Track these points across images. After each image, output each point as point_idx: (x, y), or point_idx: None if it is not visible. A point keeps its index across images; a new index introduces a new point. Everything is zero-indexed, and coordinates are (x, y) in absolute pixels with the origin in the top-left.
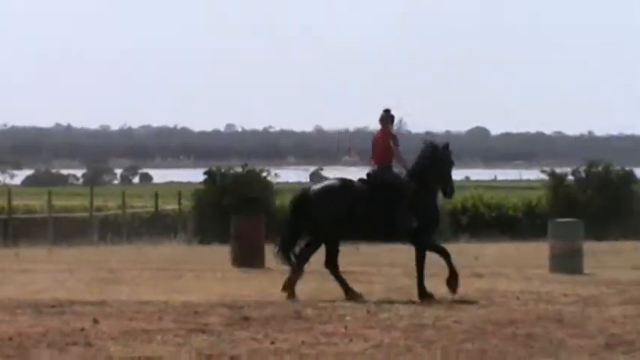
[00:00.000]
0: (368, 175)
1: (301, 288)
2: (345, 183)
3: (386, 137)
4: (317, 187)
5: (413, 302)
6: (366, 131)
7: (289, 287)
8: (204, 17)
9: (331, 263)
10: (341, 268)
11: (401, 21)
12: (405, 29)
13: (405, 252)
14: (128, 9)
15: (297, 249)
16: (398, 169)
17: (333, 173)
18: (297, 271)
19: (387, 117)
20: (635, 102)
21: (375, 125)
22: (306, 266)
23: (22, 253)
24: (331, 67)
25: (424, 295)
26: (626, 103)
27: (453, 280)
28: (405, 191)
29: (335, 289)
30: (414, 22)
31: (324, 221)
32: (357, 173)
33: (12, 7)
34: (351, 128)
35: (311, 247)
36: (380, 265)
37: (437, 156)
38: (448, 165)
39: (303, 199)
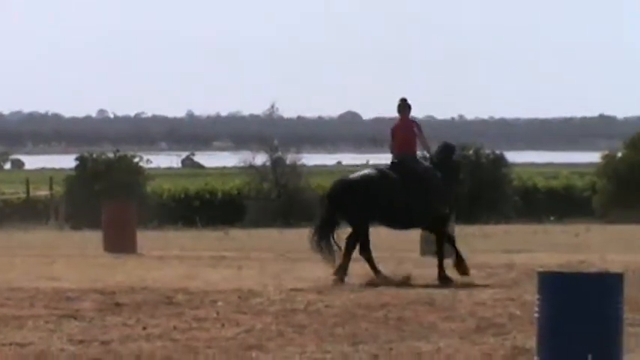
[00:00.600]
0: (395, 163)
1: (171, 274)
2: (382, 173)
3: (407, 126)
4: (356, 176)
5: (284, 287)
6: (237, 116)
7: (340, 273)
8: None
9: (367, 249)
10: (212, 254)
11: (268, 9)
12: (272, 16)
13: (276, 237)
14: None
15: (333, 237)
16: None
17: (205, 159)
18: (346, 258)
19: (404, 106)
20: (505, 87)
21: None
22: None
23: None
24: (201, 54)
25: (445, 279)
26: (496, 88)
27: (461, 264)
28: (435, 180)
29: (203, 273)
30: (281, 10)
31: (365, 209)
32: (228, 158)
33: None
34: (223, 113)
35: (356, 235)
36: (251, 250)
37: (452, 153)
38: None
39: (343, 188)
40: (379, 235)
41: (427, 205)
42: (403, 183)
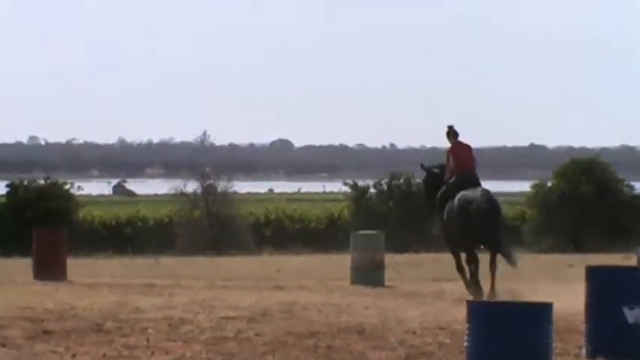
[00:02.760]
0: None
1: (101, 301)
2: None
3: (468, 149)
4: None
5: (215, 315)
6: (169, 143)
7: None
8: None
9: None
10: (143, 281)
11: (197, 33)
12: (202, 41)
13: (207, 265)
14: None
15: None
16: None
17: (136, 185)
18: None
19: (454, 132)
20: (438, 114)
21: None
22: None
23: None
24: (133, 79)
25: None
26: (428, 115)
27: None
28: None
29: (133, 300)
30: (211, 35)
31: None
32: (160, 185)
33: None
34: (155, 140)
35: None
36: (182, 277)
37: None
38: None
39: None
40: (306, 264)
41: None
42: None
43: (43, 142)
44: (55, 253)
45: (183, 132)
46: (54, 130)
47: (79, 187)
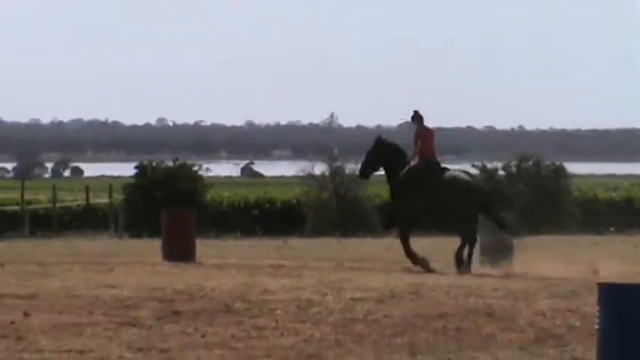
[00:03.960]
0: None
1: (230, 282)
2: None
3: (432, 135)
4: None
5: (343, 297)
6: (297, 125)
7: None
8: (133, 13)
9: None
10: (271, 262)
11: (329, 20)
12: (334, 26)
13: (335, 247)
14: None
15: None
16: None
17: (264, 167)
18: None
19: (420, 116)
20: (565, 97)
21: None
22: None
23: None
24: (262, 61)
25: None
26: (556, 98)
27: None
28: None
29: (262, 282)
30: (341, 20)
31: None
32: (287, 167)
33: None
34: (283, 122)
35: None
36: (310, 259)
37: None
38: None
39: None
40: (434, 245)
41: None
42: None
43: (171, 124)
44: (184, 234)
45: (310, 114)
46: (182, 112)
47: (207, 169)
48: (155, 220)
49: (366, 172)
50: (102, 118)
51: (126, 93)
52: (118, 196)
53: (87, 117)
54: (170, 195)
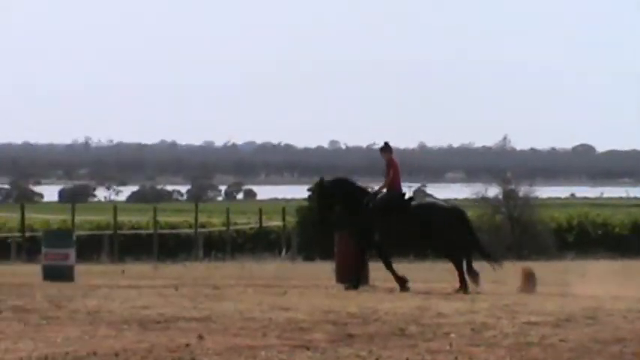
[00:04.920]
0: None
1: (403, 305)
2: None
3: (398, 167)
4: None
5: (518, 320)
6: (470, 148)
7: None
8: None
9: None
10: (444, 285)
11: (506, 42)
12: (505, 48)
13: (509, 270)
14: (229, 35)
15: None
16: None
17: (436, 190)
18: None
19: (390, 148)
20: None
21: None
22: None
23: (128, 269)
24: (432, 84)
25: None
26: None
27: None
28: None
29: (435, 305)
30: (513, 46)
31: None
32: (460, 190)
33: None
34: (455, 145)
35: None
36: (484, 282)
37: None
38: None
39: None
40: (610, 269)
41: None
42: None
43: (343, 147)
44: (358, 257)
45: (483, 136)
46: (354, 135)
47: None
48: (328, 243)
49: (325, 219)
50: (274, 141)
51: (298, 116)
52: (291, 219)
53: (260, 140)
54: None
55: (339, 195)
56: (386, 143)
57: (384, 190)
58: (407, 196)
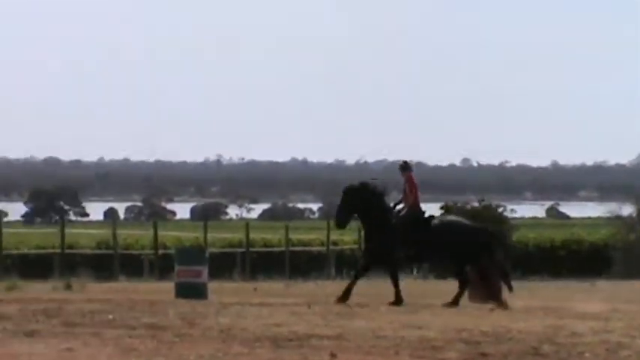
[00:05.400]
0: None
1: (537, 324)
2: None
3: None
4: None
5: None
6: (604, 165)
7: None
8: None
9: None
10: (578, 305)
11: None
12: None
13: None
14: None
15: None
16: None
17: (570, 208)
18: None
19: (409, 166)
20: None
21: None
22: None
23: (260, 287)
24: (556, 102)
25: None
26: None
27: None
28: None
29: (570, 324)
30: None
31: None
32: (594, 208)
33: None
34: (589, 163)
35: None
36: (617, 301)
37: None
38: None
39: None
40: None
41: None
42: None
43: (475, 164)
44: (490, 276)
45: (617, 154)
46: (487, 153)
47: (512, 210)
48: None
49: (341, 221)
50: (407, 159)
51: (429, 134)
52: None
53: (391, 158)
54: None
55: (362, 209)
56: (405, 162)
57: (405, 208)
58: (427, 215)
